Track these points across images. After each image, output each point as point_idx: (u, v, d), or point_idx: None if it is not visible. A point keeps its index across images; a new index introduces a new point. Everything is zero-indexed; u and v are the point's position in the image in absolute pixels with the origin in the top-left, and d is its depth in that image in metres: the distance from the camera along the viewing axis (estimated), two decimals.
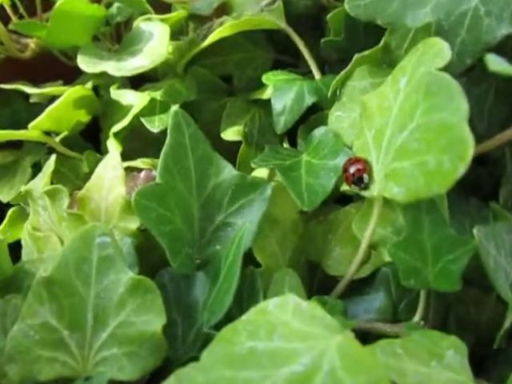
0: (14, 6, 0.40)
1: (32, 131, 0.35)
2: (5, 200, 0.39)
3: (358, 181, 0.30)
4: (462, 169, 0.23)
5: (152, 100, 0.36)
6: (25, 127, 0.37)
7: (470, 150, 0.23)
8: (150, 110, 0.37)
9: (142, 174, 0.34)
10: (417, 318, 0.32)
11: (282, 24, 0.40)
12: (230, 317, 0.28)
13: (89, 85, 0.37)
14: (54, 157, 0.33)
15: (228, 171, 0.33)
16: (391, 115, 0.29)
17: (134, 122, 0.37)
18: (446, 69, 0.27)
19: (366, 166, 0.30)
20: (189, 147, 0.32)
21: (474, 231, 0.25)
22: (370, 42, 0.36)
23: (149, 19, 0.37)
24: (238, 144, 0.40)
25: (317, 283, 0.38)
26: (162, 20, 0.37)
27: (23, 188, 0.33)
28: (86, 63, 0.34)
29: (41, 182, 0.32)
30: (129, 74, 0.34)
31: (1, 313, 0.26)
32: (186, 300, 0.31)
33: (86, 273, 0.25)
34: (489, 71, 0.21)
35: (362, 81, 0.35)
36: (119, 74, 0.34)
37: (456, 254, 0.27)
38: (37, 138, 0.35)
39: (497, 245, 0.27)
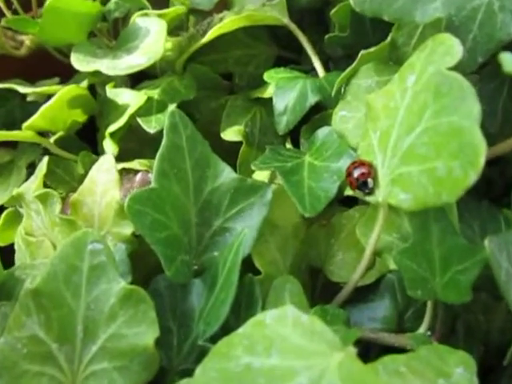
0: (7, 1, 0.39)
1: (25, 132, 0.34)
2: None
3: (362, 185, 0.28)
4: (473, 176, 0.22)
5: (149, 99, 0.35)
6: (20, 127, 0.36)
7: (482, 157, 0.21)
8: (147, 109, 0.35)
9: (138, 176, 0.33)
10: (423, 328, 0.30)
11: (285, 19, 0.38)
12: (226, 328, 0.27)
13: (84, 83, 0.35)
14: (46, 159, 0.32)
15: (227, 174, 0.32)
16: (398, 116, 0.27)
17: (131, 121, 0.36)
18: (456, 67, 0.25)
19: (371, 170, 0.28)
20: (186, 149, 0.31)
21: (486, 242, 0.24)
22: (377, 38, 0.34)
23: (146, 15, 0.36)
24: (238, 144, 0.39)
25: (319, 289, 0.36)
26: (160, 16, 0.36)
27: (15, 191, 0.32)
28: (79, 61, 0.33)
29: (33, 185, 0.31)
30: (123, 72, 0.33)
31: None
32: (182, 308, 0.30)
33: (75, 283, 0.24)
34: (503, 72, 0.20)
35: (368, 79, 0.34)
36: (113, 72, 0.33)
37: (466, 264, 0.26)
38: (30, 139, 0.34)
39: (509, 255, 0.25)
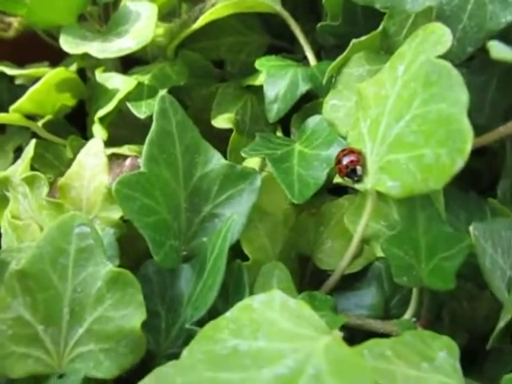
0: None
1: (12, 114, 0.33)
2: None
3: (351, 173, 0.28)
4: (460, 163, 0.22)
5: (139, 84, 0.35)
6: (7, 110, 0.35)
7: (468, 143, 0.21)
8: (137, 94, 0.35)
9: (128, 161, 0.33)
10: (409, 314, 0.31)
11: (278, 7, 0.38)
12: (214, 312, 0.27)
13: (73, 67, 0.35)
14: (33, 142, 0.32)
15: (216, 160, 0.32)
16: (387, 104, 0.28)
17: (121, 106, 0.36)
18: (445, 56, 0.25)
19: (360, 158, 0.28)
20: (176, 135, 0.31)
21: (471, 229, 0.24)
22: (369, 27, 0.34)
23: None
24: (229, 131, 0.39)
25: (308, 276, 0.37)
26: (151, 0, 0.35)
27: (1, 174, 0.32)
28: (68, 44, 0.33)
29: (20, 168, 0.31)
30: (113, 55, 0.32)
31: None
32: (171, 293, 0.30)
33: (62, 265, 0.24)
34: (491, 59, 0.20)
35: (359, 68, 0.34)
36: (103, 55, 0.32)
37: (451, 251, 0.26)
38: (18, 122, 0.33)
39: (494, 242, 0.26)
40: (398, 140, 0.26)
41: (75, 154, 0.34)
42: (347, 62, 0.34)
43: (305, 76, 0.36)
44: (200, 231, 0.31)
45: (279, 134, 0.39)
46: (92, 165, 0.29)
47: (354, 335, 0.34)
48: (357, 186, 0.29)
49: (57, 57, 0.42)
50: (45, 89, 0.33)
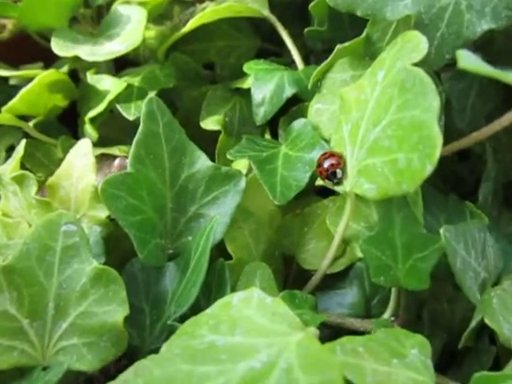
0: None
1: (4, 115, 0.34)
2: None
3: (331, 176, 0.29)
4: (430, 167, 0.23)
5: (129, 86, 0.36)
6: (0, 110, 0.36)
7: (437, 149, 0.22)
8: (127, 96, 0.36)
9: (116, 161, 0.34)
10: (387, 314, 0.32)
11: (265, 12, 0.39)
12: (197, 309, 0.27)
13: (65, 68, 0.36)
14: (23, 142, 0.33)
15: (202, 162, 0.32)
16: (367, 109, 0.28)
17: (111, 108, 0.37)
18: (423, 63, 0.26)
19: (341, 161, 0.29)
20: (163, 136, 0.32)
21: (441, 231, 0.25)
22: (355, 33, 0.35)
23: (127, 2, 0.36)
24: (219, 133, 0.39)
25: (293, 276, 0.37)
26: (141, 3, 0.36)
27: None
28: (59, 47, 0.34)
29: (10, 167, 0.31)
30: (102, 59, 0.33)
31: None
32: (156, 290, 0.31)
33: (48, 262, 0.25)
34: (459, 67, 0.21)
35: (343, 73, 0.34)
36: (92, 59, 0.33)
37: (425, 252, 0.27)
38: (9, 122, 0.34)
39: (467, 244, 0.27)
40: (375, 144, 0.26)
41: (66, 153, 0.35)
42: (332, 67, 0.35)
43: (291, 80, 0.36)
44: (186, 230, 0.32)
45: (267, 136, 0.40)
46: (80, 165, 0.30)
47: (338, 334, 0.34)
48: (336, 189, 0.30)
49: (51, 58, 0.43)
50: (36, 90, 0.34)
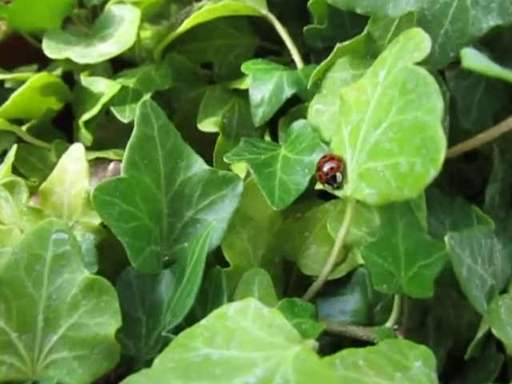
0: None
1: None
2: None
3: (331, 180, 0.28)
4: (433, 172, 0.22)
5: (123, 88, 0.35)
6: None
7: (441, 153, 0.21)
8: (122, 98, 0.35)
9: (111, 165, 0.33)
10: (390, 322, 0.31)
11: (263, 10, 0.38)
12: (193, 319, 0.27)
13: (58, 71, 0.35)
14: (15, 147, 0.32)
15: (199, 165, 0.32)
16: (368, 111, 0.27)
17: (106, 110, 0.36)
18: (427, 62, 0.25)
19: (340, 165, 0.28)
20: (157, 140, 0.31)
21: (446, 239, 0.24)
22: (355, 31, 0.34)
23: (121, 2, 0.35)
24: (218, 135, 0.38)
25: (293, 281, 0.37)
26: (135, 3, 0.35)
27: None
28: (51, 49, 0.33)
29: (1, 173, 0.31)
30: (94, 61, 0.32)
31: None
32: (151, 298, 0.30)
33: (38, 272, 0.24)
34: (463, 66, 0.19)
35: (343, 72, 0.33)
36: (83, 61, 0.32)
37: (430, 259, 0.26)
38: (1, 127, 0.33)
39: (473, 251, 0.26)
40: (376, 147, 0.25)
41: (60, 157, 0.34)
42: (332, 67, 0.34)
43: (290, 80, 0.35)
44: (182, 236, 0.31)
45: (267, 137, 0.39)
46: (73, 170, 0.30)
47: (340, 341, 0.34)
48: (337, 193, 0.29)
49: (46, 59, 0.42)
50: (28, 93, 0.33)
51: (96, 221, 0.29)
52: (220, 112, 0.38)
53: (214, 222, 0.28)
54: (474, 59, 0.19)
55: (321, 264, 0.34)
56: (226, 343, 0.22)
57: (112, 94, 0.33)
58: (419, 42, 0.25)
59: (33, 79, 0.32)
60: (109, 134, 0.40)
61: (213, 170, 0.31)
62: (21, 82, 0.40)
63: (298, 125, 0.34)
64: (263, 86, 0.35)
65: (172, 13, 0.44)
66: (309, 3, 0.35)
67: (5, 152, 0.39)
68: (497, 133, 0.25)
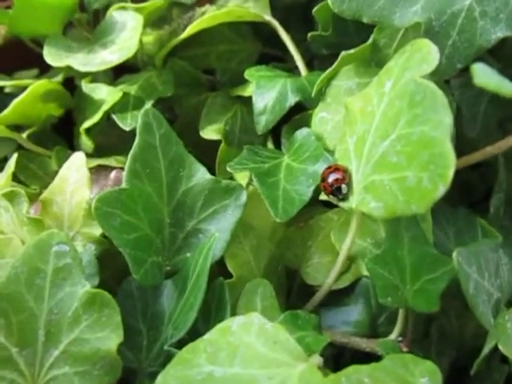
0: None
1: None
2: None
3: (336, 191, 0.28)
4: (442, 188, 0.21)
5: (125, 95, 0.34)
6: None
7: (451, 169, 0.21)
8: (123, 105, 0.35)
9: (112, 174, 0.33)
10: (395, 334, 0.30)
11: (267, 16, 0.37)
12: (195, 332, 0.26)
13: (59, 78, 0.34)
14: (15, 155, 0.32)
15: (201, 175, 0.31)
16: (373, 122, 0.27)
17: (108, 117, 0.35)
18: (433, 73, 0.25)
19: (346, 176, 0.28)
20: (159, 149, 0.30)
21: (454, 255, 0.23)
22: (360, 38, 0.33)
23: (123, 8, 0.35)
24: (220, 143, 0.38)
25: (296, 291, 0.36)
26: (137, 9, 0.35)
27: None
28: (51, 56, 0.32)
29: (1, 183, 0.30)
30: (95, 69, 0.32)
31: None
32: (153, 310, 0.30)
33: (38, 286, 0.24)
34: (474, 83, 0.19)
35: (348, 80, 0.33)
36: (84, 69, 0.32)
37: (436, 273, 0.26)
38: (1, 134, 0.33)
39: (480, 266, 0.25)
40: (383, 160, 0.25)
41: (61, 165, 0.34)
42: (336, 75, 0.33)
43: (294, 87, 0.35)
44: (184, 246, 0.31)
45: (270, 145, 0.39)
46: (74, 179, 0.29)
47: (343, 352, 0.33)
48: (342, 205, 0.28)
49: (47, 63, 0.42)
50: (29, 100, 0.32)
51: (97, 231, 0.29)
52: (222, 119, 0.38)
53: (216, 234, 0.28)
54: (486, 76, 0.19)
55: (324, 274, 0.33)
56: (229, 360, 0.22)
57: (113, 102, 0.33)
58: (427, 54, 0.25)
59: (34, 86, 0.32)
60: (110, 139, 0.40)
61: (215, 180, 0.31)
62: (21, 88, 0.40)
63: (301, 133, 0.34)
64: (267, 93, 0.35)
65: (174, 17, 0.44)
66: (314, 10, 0.34)
67: (5, 159, 0.38)
68: (505, 146, 0.25)
